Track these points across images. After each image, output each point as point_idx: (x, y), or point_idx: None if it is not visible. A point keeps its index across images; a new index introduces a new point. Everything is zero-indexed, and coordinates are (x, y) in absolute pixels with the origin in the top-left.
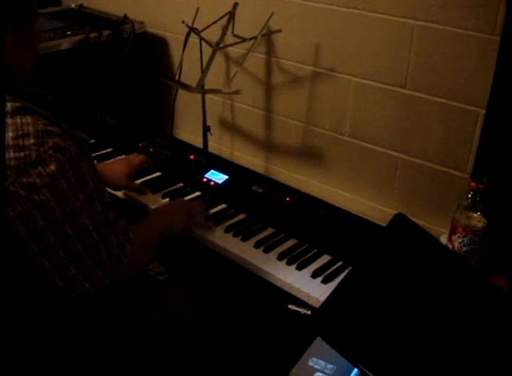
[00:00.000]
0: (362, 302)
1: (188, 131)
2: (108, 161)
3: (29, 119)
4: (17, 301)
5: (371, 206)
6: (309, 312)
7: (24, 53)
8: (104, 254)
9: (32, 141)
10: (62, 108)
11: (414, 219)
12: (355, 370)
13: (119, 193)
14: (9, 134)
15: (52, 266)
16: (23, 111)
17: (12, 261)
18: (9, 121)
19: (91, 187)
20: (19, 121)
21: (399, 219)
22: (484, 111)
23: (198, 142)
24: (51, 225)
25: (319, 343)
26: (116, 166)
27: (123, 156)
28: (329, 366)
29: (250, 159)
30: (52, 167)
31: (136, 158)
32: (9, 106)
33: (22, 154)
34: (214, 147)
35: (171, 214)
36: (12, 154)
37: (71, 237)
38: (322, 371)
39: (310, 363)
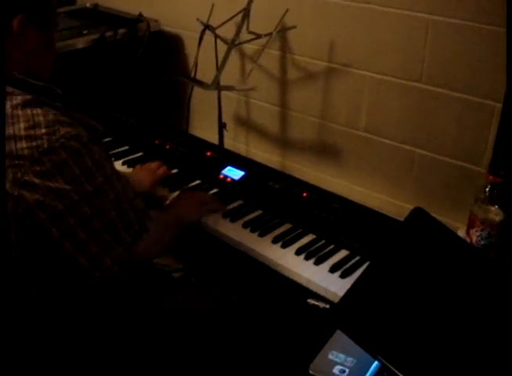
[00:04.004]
0: (382, 296)
1: (203, 129)
2: (129, 170)
3: (39, 110)
4: (36, 295)
5: (387, 201)
6: (328, 306)
7: (45, 53)
8: (123, 229)
9: (44, 131)
10: (77, 104)
11: (431, 214)
12: (375, 363)
13: None
14: (21, 125)
15: (74, 247)
16: (34, 103)
17: (33, 250)
18: (19, 112)
19: (108, 170)
20: (29, 112)
21: (418, 213)
22: (500, 105)
23: (214, 139)
24: (69, 209)
25: (338, 336)
26: (140, 175)
27: (140, 153)
28: (349, 359)
29: (265, 155)
30: (64, 154)
31: (155, 166)
32: (19, 98)
33: (34, 144)
34: (229, 144)
35: (183, 205)
36: (24, 144)
37: (89, 217)
38: (342, 364)
39: (330, 357)
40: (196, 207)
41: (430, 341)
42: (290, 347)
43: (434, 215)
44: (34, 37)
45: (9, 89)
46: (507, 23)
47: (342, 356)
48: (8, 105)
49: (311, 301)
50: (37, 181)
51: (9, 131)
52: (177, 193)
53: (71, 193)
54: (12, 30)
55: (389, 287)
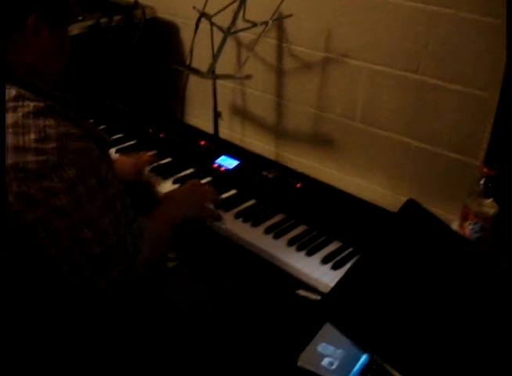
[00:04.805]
0: (372, 288)
1: (199, 117)
2: (116, 155)
3: (52, 121)
4: (30, 301)
5: (382, 192)
6: (319, 298)
7: (55, 57)
8: (120, 254)
9: (53, 145)
10: (74, 96)
11: (426, 206)
12: (364, 355)
13: None
14: (31, 136)
15: (69, 267)
16: (47, 112)
17: (31, 263)
18: (31, 121)
19: (112, 189)
20: (41, 122)
21: (410, 205)
22: (497, 97)
23: (209, 128)
24: (69, 229)
25: (328, 329)
26: (125, 159)
27: (133, 141)
28: (338, 351)
29: (260, 145)
30: (73, 171)
31: (144, 155)
32: (31, 106)
33: (42, 158)
34: (224, 133)
35: (183, 200)
36: (33, 157)
37: (89, 241)
38: (331, 356)
39: (319, 349)
40: (195, 204)
41: (420, 334)
42: (280, 338)
43: (429, 206)
44: (48, 38)
45: (22, 91)
46: (507, 15)
47: (331, 348)
48: (20, 112)
49: (301, 292)
50: (40, 197)
51: (19, 141)
52: (170, 182)
53: (74, 213)
54: (26, 29)
55: (379, 280)
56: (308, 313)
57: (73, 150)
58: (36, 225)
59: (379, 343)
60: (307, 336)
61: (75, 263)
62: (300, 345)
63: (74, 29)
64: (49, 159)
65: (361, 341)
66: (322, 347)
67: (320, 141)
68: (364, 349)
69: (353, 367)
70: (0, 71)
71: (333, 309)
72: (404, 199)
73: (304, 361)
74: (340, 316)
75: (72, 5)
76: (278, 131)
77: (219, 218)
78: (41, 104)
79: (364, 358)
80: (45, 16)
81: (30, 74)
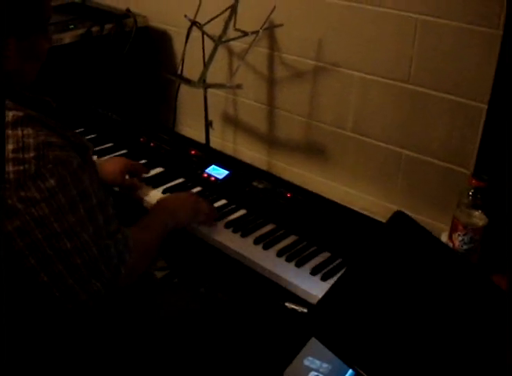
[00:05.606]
0: (359, 302)
1: (191, 126)
2: (104, 158)
3: (30, 131)
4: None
5: (374, 201)
6: (306, 311)
7: (26, 61)
8: (103, 266)
9: (32, 154)
10: (63, 105)
11: (417, 215)
12: (350, 370)
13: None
14: (9, 146)
15: (49, 278)
16: (26, 122)
17: (11, 272)
18: (9, 132)
19: (94, 200)
20: (20, 133)
21: (399, 217)
22: (486, 107)
23: (201, 137)
24: (49, 240)
25: (314, 342)
26: (111, 163)
27: (124, 150)
28: (325, 365)
29: (252, 154)
30: (52, 181)
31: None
32: (10, 115)
33: (21, 168)
34: (216, 142)
35: (175, 209)
36: (11, 168)
37: (69, 251)
38: (317, 370)
39: (305, 362)
40: (187, 214)
41: (408, 348)
42: (266, 351)
43: (420, 216)
44: (17, 48)
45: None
46: (505, 27)
47: (318, 362)
48: None
49: (289, 304)
50: (20, 206)
51: None
52: (160, 191)
53: (54, 223)
54: None
55: (367, 293)
56: (296, 326)
57: (52, 160)
58: (14, 235)
59: (365, 358)
60: (294, 349)
61: (55, 274)
62: (286, 358)
63: (66, 38)
64: (28, 168)
65: (346, 356)
66: (308, 361)
67: (312, 150)
68: (349, 364)
69: None
70: (0, 74)
71: (318, 323)
72: (395, 208)
73: (290, 375)
74: (325, 330)
75: (43, 12)
76: (270, 140)
77: (211, 224)
78: (20, 113)
79: (350, 372)
80: (10, 30)
81: (7, 81)
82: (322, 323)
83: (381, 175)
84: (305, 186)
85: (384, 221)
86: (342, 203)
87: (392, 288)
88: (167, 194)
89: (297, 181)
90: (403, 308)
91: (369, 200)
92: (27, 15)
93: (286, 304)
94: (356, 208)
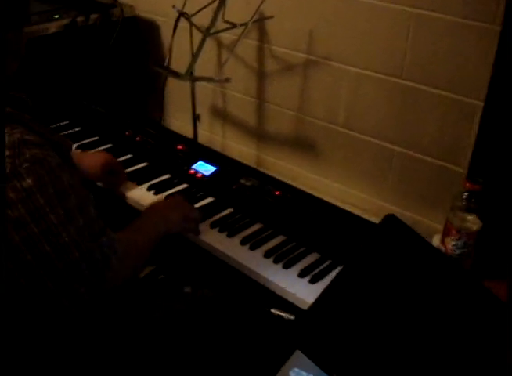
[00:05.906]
0: (346, 313)
1: (179, 120)
2: (90, 152)
3: (5, 128)
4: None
5: (365, 198)
6: (293, 317)
7: (9, 58)
8: (86, 270)
9: (7, 153)
10: (47, 98)
11: (409, 213)
12: None
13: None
14: None
15: (29, 283)
16: None
17: None
18: None
19: (73, 201)
20: None
21: (390, 220)
22: (482, 104)
23: (189, 131)
24: (27, 242)
25: (300, 354)
26: (92, 157)
27: (109, 145)
28: None
29: (241, 148)
30: (29, 181)
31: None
32: None
33: None
34: (205, 136)
35: (167, 214)
36: None
37: (49, 254)
38: None
39: (291, 374)
40: (178, 219)
41: (398, 363)
42: (251, 362)
43: (413, 214)
44: None
45: None
46: (504, 22)
47: (304, 373)
48: None
49: (275, 311)
50: None
51: None
52: (145, 188)
53: (31, 225)
54: None
55: (354, 304)
56: (282, 334)
57: (29, 158)
58: None
59: (350, 371)
60: (279, 359)
61: (36, 278)
62: (271, 369)
63: (50, 28)
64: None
65: (333, 371)
66: (294, 372)
67: (302, 145)
68: None
69: None
70: (0, 73)
71: (303, 335)
72: (387, 205)
73: None
74: (310, 342)
75: (26, 7)
76: (259, 134)
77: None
78: None
79: None
80: None
81: None
82: (308, 335)
83: (373, 172)
84: (295, 182)
85: (374, 219)
86: (332, 199)
87: (383, 297)
88: (152, 191)
89: (286, 176)
90: (394, 317)
91: (359, 196)
92: (10, 10)
93: (272, 310)
94: (347, 205)
